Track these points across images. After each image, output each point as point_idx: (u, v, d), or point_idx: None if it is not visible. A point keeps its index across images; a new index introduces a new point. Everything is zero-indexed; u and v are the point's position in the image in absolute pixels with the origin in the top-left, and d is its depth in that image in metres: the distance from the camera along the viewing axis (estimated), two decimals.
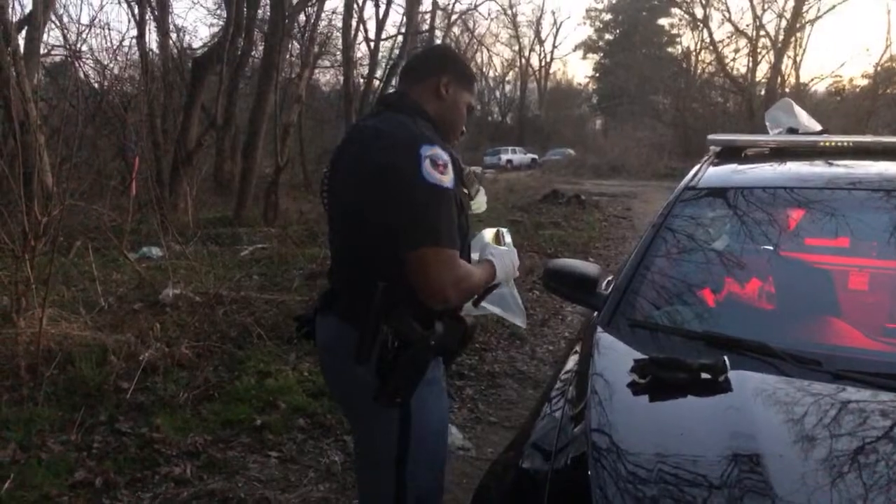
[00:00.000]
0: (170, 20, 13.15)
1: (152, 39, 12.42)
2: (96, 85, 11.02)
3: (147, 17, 12.16)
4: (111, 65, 11.17)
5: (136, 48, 11.46)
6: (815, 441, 1.36)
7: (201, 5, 35.11)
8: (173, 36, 13.80)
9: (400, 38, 18.95)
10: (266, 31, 12.01)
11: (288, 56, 15.74)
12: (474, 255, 1.78)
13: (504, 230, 1.93)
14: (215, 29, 19.79)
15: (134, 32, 11.89)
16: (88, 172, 7.46)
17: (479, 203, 1.85)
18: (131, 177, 6.86)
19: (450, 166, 1.54)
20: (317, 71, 21.11)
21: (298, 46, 16.44)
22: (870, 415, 1.47)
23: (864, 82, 24.84)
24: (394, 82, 17.38)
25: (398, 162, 1.52)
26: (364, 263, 1.61)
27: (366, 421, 1.67)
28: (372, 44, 18.62)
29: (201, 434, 3.29)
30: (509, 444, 1.79)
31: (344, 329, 1.62)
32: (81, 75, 10.14)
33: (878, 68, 23.79)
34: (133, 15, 12.54)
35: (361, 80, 19.36)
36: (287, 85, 14.86)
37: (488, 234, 1.88)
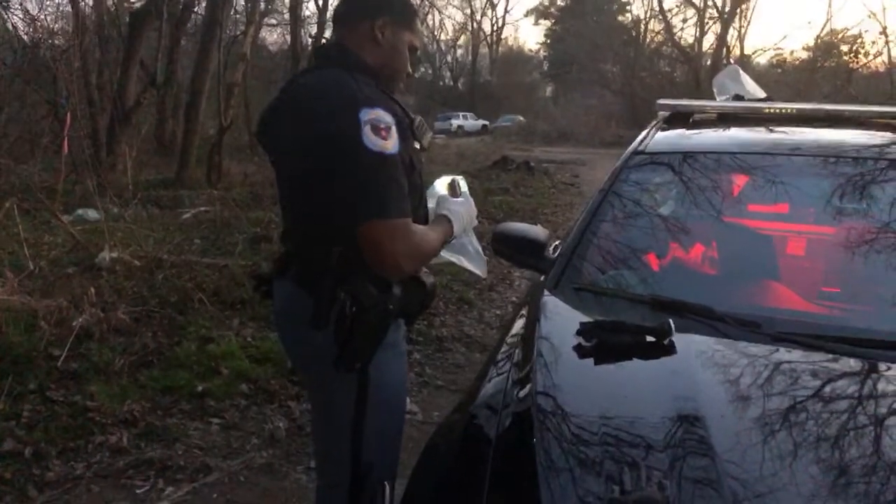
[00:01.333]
0: None
1: None
2: (25, 37, 10.38)
3: None
4: (41, 15, 10.54)
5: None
6: (753, 401, 1.38)
7: None
8: None
9: None
10: None
11: (233, 13, 15.15)
12: (430, 206, 1.71)
13: (459, 178, 1.84)
14: None
15: None
16: (17, 129, 7.06)
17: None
18: (63, 135, 6.52)
19: (393, 128, 1.46)
20: (263, 29, 20.42)
21: (244, 3, 15.85)
22: (805, 375, 1.50)
23: (805, 55, 25.47)
24: None
25: (337, 130, 1.43)
26: (316, 229, 1.55)
27: (323, 386, 1.63)
28: (320, 2, 18.06)
29: (139, 402, 3.20)
30: (456, 406, 1.78)
31: (299, 294, 1.56)
32: (9, 26, 9.54)
33: (819, 41, 24.41)
34: None
35: (310, 39, 18.82)
36: (232, 43, 14.32)
37: (441, 184, 1.80)
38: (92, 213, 6.83)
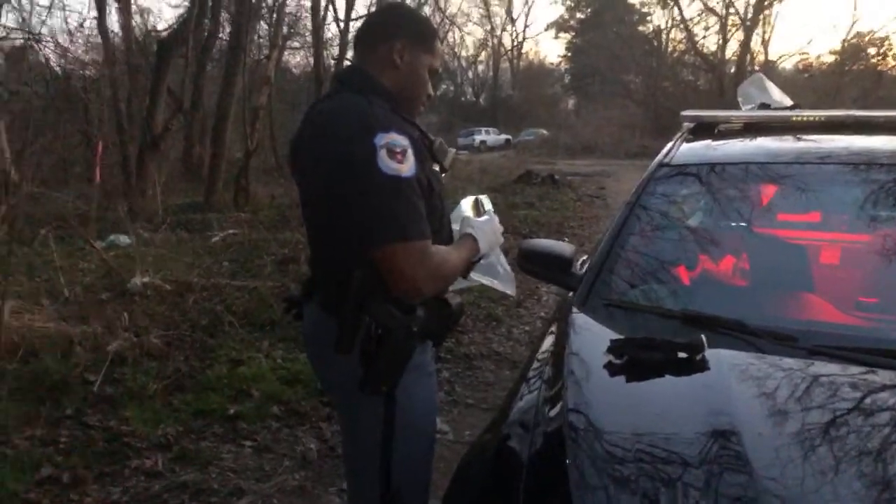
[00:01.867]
0: (132, 0, 12.78)
1: (114, 21, 12.08)
2: (57, 69, 10.69)
3: None
4: (72, 47, 10.85)
5: (97, 30, 11.12)
6: (791, 416, 1.35)
7: None
8: (136, 17, 13.43)
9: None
10: (233, 12, 11.73)
11: (256, 37, 15.44)
12: (455, 228, 1.70)
13: (483, 197, 1.83)
14: (180, 10, 19.29)
15: (94, 14, 11.48)
16: (51, 159, 7.25)
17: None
18: (96, 163, 6.68)
19: (409, 151, 1.45)
20: (286, 52, 20.76)
21: (266, 27, 16.13)
22: (844, 388, 1.46)
23: (832, 59, 25.12)
24: None
25: (353, 155, 1.43)
26: (338, 252, 1.55)
27: (350, 409, 1.64)
28: (342, 24, 18.32)
29: (172, 425, 3.23)
30: (488, 425, 1.76)
31: (324, 318, 1.57)
32: (41, 59, 9.83)
33: (845, 44, 24.07)
34: None
35: (332, 62, 19.08)
36: (256, 67, 14.57)
37: (466, 204, 1.79)
38: (123, 239, 6.96)
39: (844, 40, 24.09)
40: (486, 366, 4.27)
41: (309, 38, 19.59)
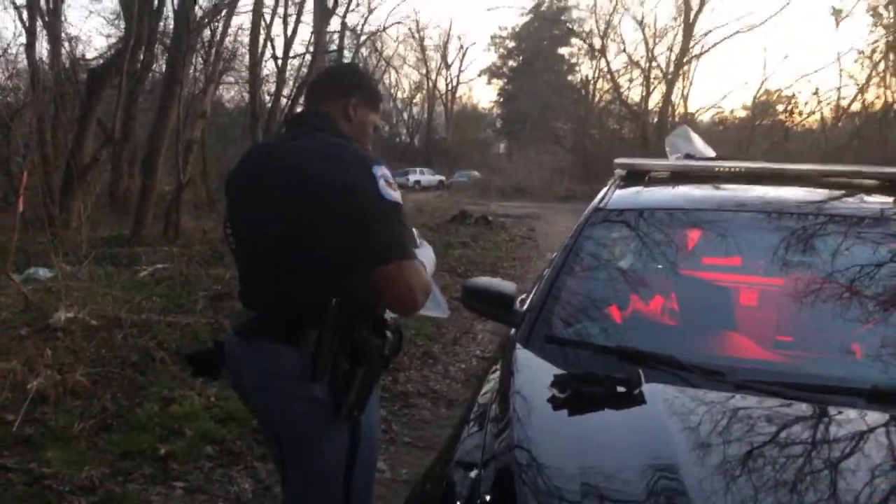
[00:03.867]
0: (62, 28, 12.44)
1: (43, 48, 11.71)
2: None
3: (37, 25, 11.46)
4: None
5: (24, 56, 10.75)
6: (723, 447, 1.44)
7: (99, 14, 33.37)
8: (66, 45, 13.03)
9: (308, 56, 18.77)
10: (169, 45, 11.58)
11: (192, 70, 15.23)
12: None
13: (415, 231, 1.93)
14: (112, 39, 18.86)
15: (23, 40, 11.10)
16: None
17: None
18: (18, 192, 6.40)
19: (394, 183, 1.63)
20: (221, 87, 20.53)
21: (202, 61, 15.96)
22: (766, 421, 1.57)
23: (744, 114, 26.76)
24: (302, 100, 17.10)
25: (358, 182, 1.57)
26: (311, 283, 1.62)
27: (313, 441, 1.66)
28: (279, 61, 18.32)
29: (98, 467, 3.08)
30: (432, 463, 1.79)
31: (284, 352, 1.61)
32: None
33: (756, 101, 25.71)
34: (22, 20, 11.77)
35: (268, 98, 19.00)
36: (191, 101, 14.35)
37: None
38: (43, 272, 6.66)
39: (755, 97, 25.76)
40: (422, 404, 4.28)
41: (244, 74, 19.48)
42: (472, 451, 1.58)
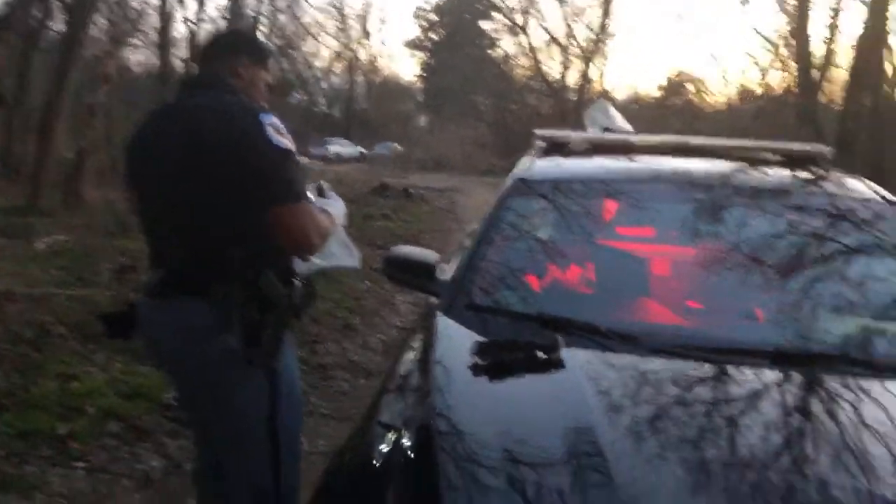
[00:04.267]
0: None
1: None
2: None
3: None
4: None
5: None
6: (637, 408, 1.49)
7: None
8: None
9: (223, 23, 17.99)
10: (69, 2, 10.78)
11: (94, 31, 14.26)
12: None
13: (325, 183, 2.06)
14: None
15: None
16: None
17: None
18: None
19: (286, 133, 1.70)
20: (127, 50, 19.39)
21: (105, 22, 14.97)
22: (677, 382, 1.62)
23: (658, 93, 27.70)
24: None
25: (247, 129, 1.64)
26: (214, 236, 1.68)
27: (232, 392, 1.71)
28: (192, 24, 17.47)
29: None
30: (351, 434, 1.75)
31: (194, 306, 1.66)
32: None
33: (668, 81, 26.64)
34: None
35: (179, 62, 18.10)
36: (94, 63, 13.46)
37: (310, 190, 1.97)
38: None
39: (668, 78, 26.69)
40: (341, 375, 4.23)
41: (152, 37, 18.46)
42: (393, 420, 1.55)
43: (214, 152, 1.64)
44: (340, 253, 1.98)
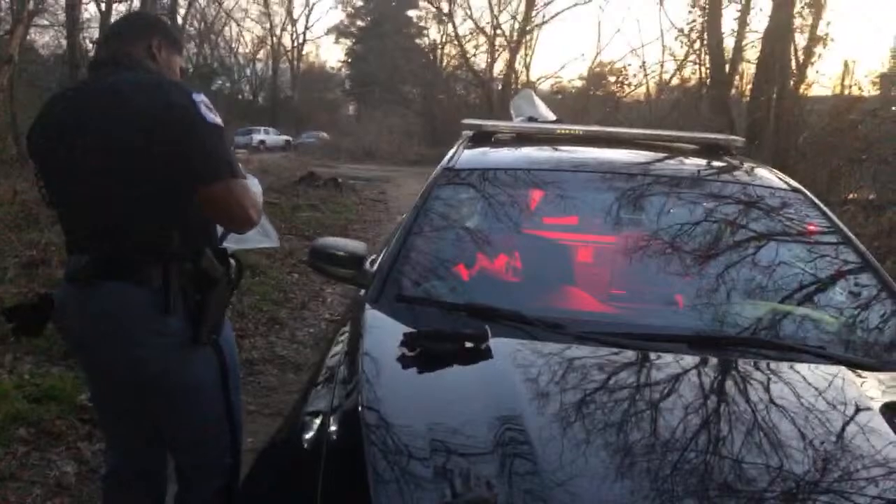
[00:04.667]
0: None
1: None
2: None
3: None
4: None
5: None
6: (563, 395, 1.51)
7: None
8: None
9: (137, 3, 17.17)
10: None
11: None
12: None
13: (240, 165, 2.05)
14: None
15: None
16: None
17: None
18: None
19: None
20: (33, 31, 18.26)
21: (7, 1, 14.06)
22: (602, 368, 1.66)
23: (580, 84, 28.23)
24: None
25: (179, 103, 1.59)
26: (148, 218, 1.63)
27: (183, 370, 1.68)
28: (103, 5, 16.58)
29: None
30: (278, 428, 1.72)
31: (128, 290, 1.61)
32: None
33: (590, 72, 27.20)
34: None
35: (90, 45, 17.17)
36: None
37: None
38: None
39: (590, 68, 27.23)
40: (268, 370, 4.14)
41: (60, 17, 17.46)
42: (320, 412, 1.53)
43: (148, 131, 1.57)
44: (259, 234, 1.97)
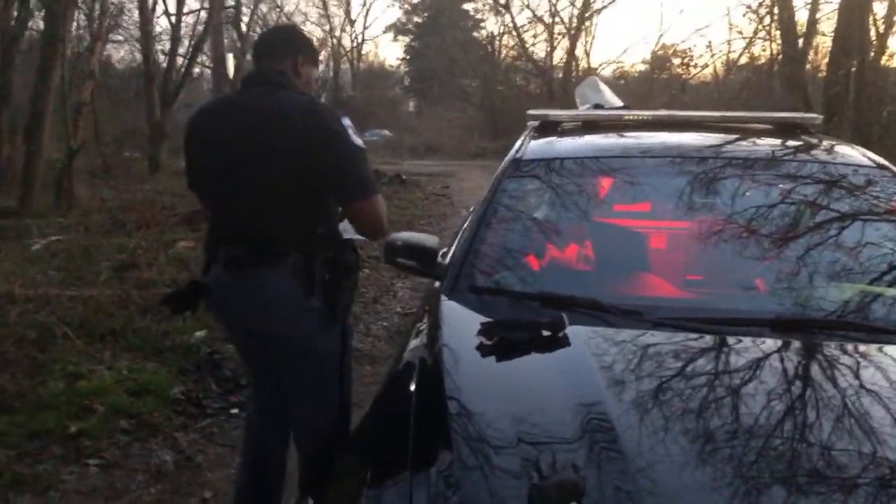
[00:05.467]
0: None
1: None
2: None
3: None
4: None
5: None
6: (644, 381, 1.51)
7: None
8: None
9: (203, 13, 17.78)
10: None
11: (75, 28, 14.11)
12: None
13: None
14: None
15: None
16: None
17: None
18: None
19: None
20: (110, 45, 19.19)
21: (85, 18, 14.82)
22: (683, 354, 1.65)
23: (643, 67, 27.57)
24: (200, 59, 16.32)
25: (335, 129, 1.89)
26: (295, 218, 1.94)
27: (312, 346, 2.00)
28: (173, 18, 17.25)
29: (2, 450, 2.91)
30: (361, 420, 1.77)
31: (280, 276, 1.92)
32: None
33: (654, 55, 26.53)
34: None
35: (163, 56, 17.91)
36: (76, 60, 13.33)
37: None
38: None
39: (653, 51, 26.57)
40: None
41: (134, 32, 18.26)
42: (404, 403, 1.57)
43: (308, 151, 1.86)
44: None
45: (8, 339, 3.96)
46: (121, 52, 24.17)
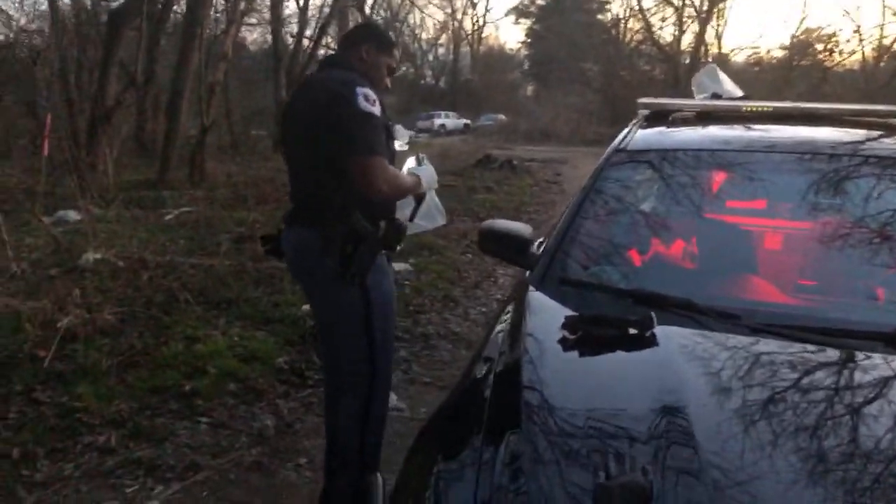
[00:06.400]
0: None
1: None
2: (1, 37, 10.25)
3: None
4: (17, 15, 10.40)
5: None
6: (734, 391, 1.42)
7: None
8: None
9: None
10: None
11: (212, 12, 15.04)
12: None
13: (422, 155, 2.54)
14: None
15: None
16: None
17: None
18: (43, 136, 6.46)
19: (378, 103, 2.13)
20: (243, 29, 20.28)
21: (223, 2, 15.74)
22: (783, 366, 1.54)
23: (781, 54, 25.77)
24: (325, 41, 16.95)
25: (341, 93, 2.10)
26: (320, 179, 2.15)
27: (334, 297, 2.21)
28: (301, 1, 17.97)
29: (126, 402, 3.20)
30: (442, 402, 1.80)
31: (308, 232, 2.17)
32: None
33: (794, 40, 24.71)
34: None
35: (291, 39, 18.74)
36: (213, 42, 14.23)
37: (411, 160, 2.52)
38: (72, 215, 6.77)
39: (794, 36, 24.76)
40: (442, 345, 4.32)
41: (266, 15, 19.19)
42: (483, 390, 1.58)
43: (322, 114, 2.11)
44: (433, 215, 2.45)
45: (139, 300, 4.33)
46: (254, 34, 25.52)
